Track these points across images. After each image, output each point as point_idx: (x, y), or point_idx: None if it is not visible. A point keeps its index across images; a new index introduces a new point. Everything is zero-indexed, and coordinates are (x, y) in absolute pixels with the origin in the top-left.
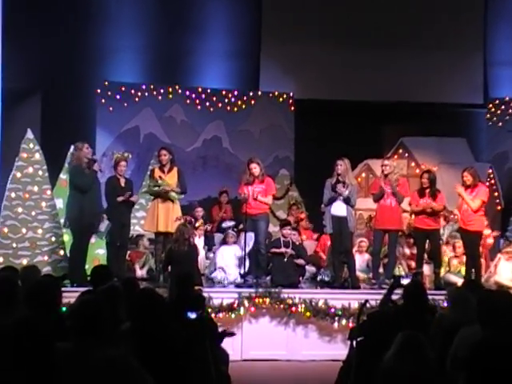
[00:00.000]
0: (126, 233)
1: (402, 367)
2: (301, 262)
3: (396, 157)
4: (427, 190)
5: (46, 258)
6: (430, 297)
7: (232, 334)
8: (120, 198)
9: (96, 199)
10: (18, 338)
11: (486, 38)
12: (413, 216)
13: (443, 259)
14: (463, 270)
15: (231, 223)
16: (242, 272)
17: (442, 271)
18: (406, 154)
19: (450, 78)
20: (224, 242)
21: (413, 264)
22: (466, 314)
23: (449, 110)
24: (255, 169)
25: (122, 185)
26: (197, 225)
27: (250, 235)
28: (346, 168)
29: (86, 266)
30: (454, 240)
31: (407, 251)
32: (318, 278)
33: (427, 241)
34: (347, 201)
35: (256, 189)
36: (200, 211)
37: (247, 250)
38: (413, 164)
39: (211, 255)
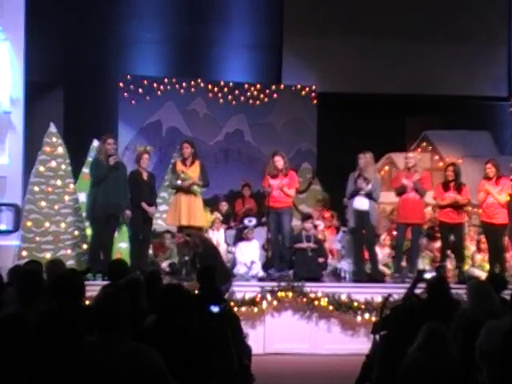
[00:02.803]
0: (149, 227)
1: (425, 361)
2: (321, 260)
3: (419, 150)
4: (452, 184)
5: (69, 251)
6: (453, 291)
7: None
8: (145, 206)
9: (112, 192)
10: (46, 327)
11: (510, 31)
12: (436, 210)
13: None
14: (487, 265)
15: (253, 221)
16: (262, 266)
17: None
18: (430, 148)
19: (474, 71)
20: (242, 238)
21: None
22: (486, 307)
23: (473, 103)
24: (279, 162)
25: (145, 178)
26: (213, 217)
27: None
28: (366, 162)
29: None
30: (480, 236)
31: (429, 245)
32: (342, 273)
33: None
34: (369, 195)
35: (282, 182)
36: (224, 205)
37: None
38: (436, 157)
39: (232, 249)
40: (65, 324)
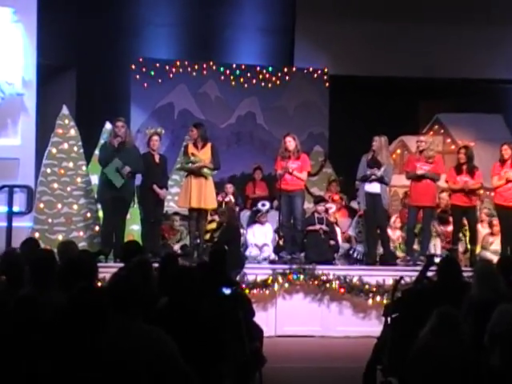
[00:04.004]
0: (160, 209)
1: (437, 344)
2: (332, 243)
3: (431, 133)
4: (464, 167)
5: (81, 233)
6: (464, 274)
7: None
8: (156, 189)
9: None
10: (76, 309)
11: None
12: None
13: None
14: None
15: (267, 205)
16: (274, 249)
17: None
18: (442, 131)
19: (486, 54)
20: (255, 221)
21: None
22: (492, 290)
23: (485, 86)
24: (289, 142)
25: (157, 161)
26: (227, 200)
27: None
28: (380, 145)
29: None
30: (492, 218)
31: (442, 229)
32: (355, 254)
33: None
34: (381, 180)
35: (292, 164)
36: (230, 187)
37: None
38: (448, 140)
39: (244, 232)
40: (95, 306)
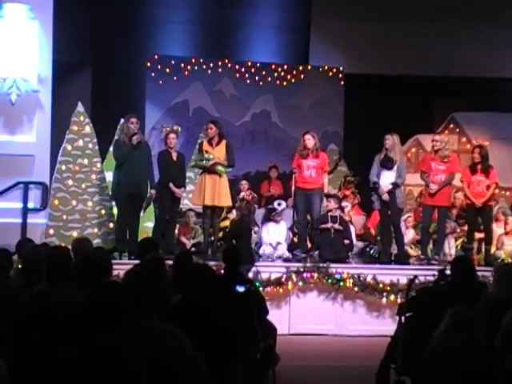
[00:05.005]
0: (176, 208)
1: (452, 344)
2: (346, 242)
3: (447, 132)
4: (479, 166)
5: (95, 230)
6: (479, 273)
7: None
8: (172, 187)
9: (134, 171)
10: (99, 305)
11: None
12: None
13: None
14: None
15: (283, 205)
16: (288, 247)
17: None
18: (457, 130)
19: (502, 52)
20: (269, 219)
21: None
22: (510, 290)
23: (501, 85)
24: (308, 140)
25: (174, 159)
26: (241, 196)
27: None
28: (393, 143)
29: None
30: (507, 217)
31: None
32: (371, 251)
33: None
34: (395, 185)
35: (309, 162)
36: (245, 184)
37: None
38: (464, 139)
39: (257, 229)
40: (115, 303)
